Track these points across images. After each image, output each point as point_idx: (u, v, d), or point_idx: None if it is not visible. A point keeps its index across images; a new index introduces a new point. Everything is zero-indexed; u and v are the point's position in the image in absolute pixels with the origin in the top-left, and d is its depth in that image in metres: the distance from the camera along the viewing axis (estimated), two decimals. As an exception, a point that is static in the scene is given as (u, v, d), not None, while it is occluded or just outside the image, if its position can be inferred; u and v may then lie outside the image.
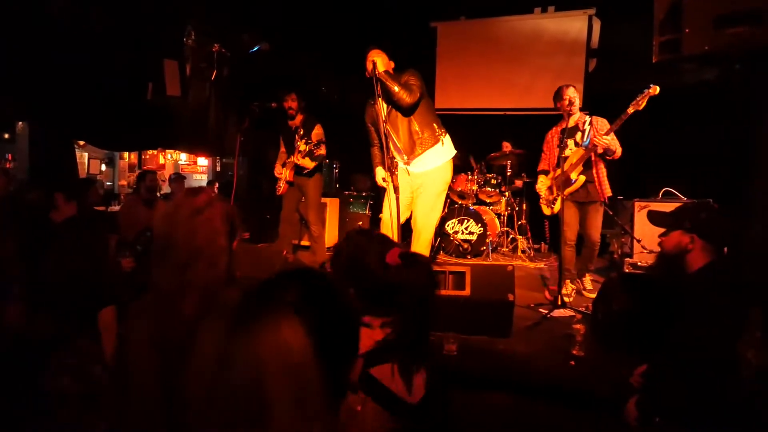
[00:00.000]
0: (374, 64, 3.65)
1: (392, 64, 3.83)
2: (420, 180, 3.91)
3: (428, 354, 1.41)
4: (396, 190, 3.58)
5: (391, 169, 3.60)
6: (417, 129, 3.83)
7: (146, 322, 1.33)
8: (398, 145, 3.85)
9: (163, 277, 1.37)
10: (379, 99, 3.81)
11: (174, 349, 1.20)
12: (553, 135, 4.54)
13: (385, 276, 1.39)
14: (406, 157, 3.84)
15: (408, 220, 4.04)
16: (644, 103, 3.82)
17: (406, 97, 3.68)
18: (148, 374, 1.27)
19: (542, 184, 4.64)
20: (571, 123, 4.36)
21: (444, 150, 3.90)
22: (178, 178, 7.20)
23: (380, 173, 4.13)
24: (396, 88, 3.66)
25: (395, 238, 3.55)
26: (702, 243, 2.04)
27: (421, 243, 3.99)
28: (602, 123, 4.26)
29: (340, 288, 1.04)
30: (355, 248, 1.46)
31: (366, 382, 1.27)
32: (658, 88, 3.74)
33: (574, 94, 4.30)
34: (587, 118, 4.33)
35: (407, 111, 3.80)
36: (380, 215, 4.01)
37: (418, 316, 1.38)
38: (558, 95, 4.33)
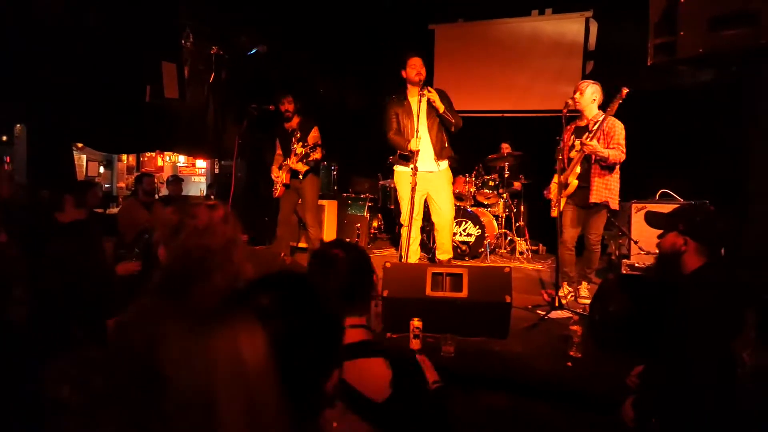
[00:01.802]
0: (429, 98, 4.49)
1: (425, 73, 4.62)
2: (437, 179, 4.68)
3: (395, 355, 1.44)
4: (413, 190, 4.35)
5: (414, 170, 4.33)
6: (445, 139, 4.69)
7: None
8: (428, 147, 4.59)
9: (203, 297, 1.39)
10: (413, 102, 4.57)
11: None
12: (566, 132, 4.35)
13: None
14: (435, 157, 4.62)
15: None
16: (616, 107, 3.93)
17: (457, 122, 4.59)
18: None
19: (552, 183, 4.54)
20: (584, 122, 4.32)
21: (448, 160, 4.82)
22: (176, 180, 7.20)
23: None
24: (453, 120, 4.57)
25: (418, 238, 4.71)
26: (695, 245, 2.05)
27: (447, 233, 4.83)
28: (611, 125, 4.12)
29: (322, 296, 1.01)
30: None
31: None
32: (625, 90, 3.90)
33: (589, 89, 4.22)
34: (601, 118, 4.19)
35: (449, 130, 4.66)
36: (402, 222, 4.71)
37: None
38: (574, 90, 4.32)
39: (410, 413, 1.37)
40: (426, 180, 4.58)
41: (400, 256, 4.54)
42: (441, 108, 4.49)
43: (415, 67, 4.50)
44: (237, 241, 1.49)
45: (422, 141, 4.51)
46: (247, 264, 1.52)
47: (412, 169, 4.38)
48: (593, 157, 4.13)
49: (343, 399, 1.27)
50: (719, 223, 2.11)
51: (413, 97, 4.58)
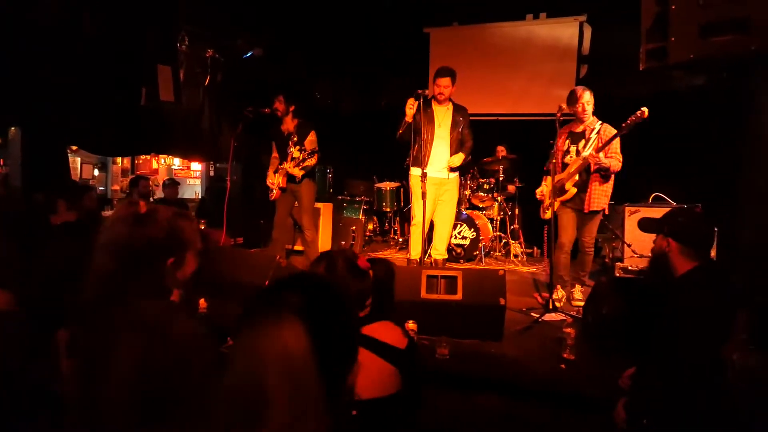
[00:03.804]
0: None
1: (453, 88, 4.91)
2: (449, 184, 5.01)
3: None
4: (423, 196, 4.58)
5: (422, 178, 4.59)
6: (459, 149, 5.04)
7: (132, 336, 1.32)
8: (446, 155, 4.92)
9: (137, 297, 1.38)
10: (437, 110, 4.90)
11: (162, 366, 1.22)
12: (560, 136, 4.40)
13: (355, 279, 1.78)
14: (446, 162, 4.91)
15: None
16: (632, 126, 3.79)
17: (469, 152, 5.04)
18: (132, 388, 1.27)
19: (543, 185, 4.61)
20: (580, 128, 4.34)
21: None
22: (172, 183, 7.17)
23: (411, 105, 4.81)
24: (469, 159, 5.13)
25: (425, 236, 4.90)
26: (678, 246, 2.08)
27: (444, 236, 5.13)
28: (610, 131, 4.14)
29: (343, 295, 1.07)
30: (329, 262, 1.81)
31: (361, 340, 1.52)
32: (646, 112, 3.70)
33: (588, 100, 4.24)
34: (597, 126, 4.25)
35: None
36: (413, 222, 5.02)
37: (386, 295, 1.96)
38: (572, 98, 4.28)
39: (417, 356, 1.82)
40: (439, 184, 4.92)
41: (409, 252, 5.07)
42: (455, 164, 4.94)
43: (439, 87, 4.85)
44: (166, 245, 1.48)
45: (441, 149, 4.89)
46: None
47: (421, 175, 4.66)
48: (593, 166, 4.17)
49: (373, 351, 1.64)
50: (701, 224, 2.14)
51: (437, 105, 4.95)
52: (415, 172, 5.00)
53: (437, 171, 4.87)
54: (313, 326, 0.92)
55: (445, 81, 4.82)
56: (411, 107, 4.65)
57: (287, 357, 0.86)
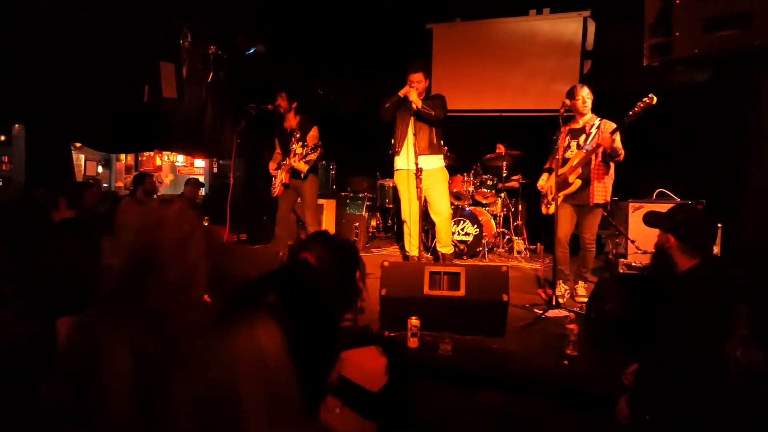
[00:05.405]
0: (409, 97, 4.76)
1: (426, 83, 4.90)
2: (430, 177, 4.92)
3: (387, 342, 1.43)
4: (419, 190, 4.62)
5: (417, 175, 4.59)
6: (434, 137, 4.97)
7: (127, 336, 1.26)
8: (416, 143, 4.81)
9: (157, 295, 1.34)
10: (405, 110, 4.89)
11: (158, 363, 1.20)
12: (560, 134, 4.42)
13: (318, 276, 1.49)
14: (417, 154, 4.76)
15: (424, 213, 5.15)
16: (641, 113, 3.78)
17: (436, 116, 4.84)
18: (126, 390, 1.25)
19: (542, 181, 4.63)
20: (580, 124, 4.36)
21: (442, 158, 5.14)
22: (196, 183, 7.12)
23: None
24: (432, 113, 4.84)
25: (417, 231, 4.84)
26: (677, 243, 2.08)
27: (444, 225, 5.12)
28: (609, 126, 4.18)
29: (321, 291, 1.05)
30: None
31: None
32: (655, 98, 3.69)
33: (587, 94, 4.28)
34: (596, 121, 4.29)
35: (434, 124, 4.94)
36: (402, 218, 5.13)
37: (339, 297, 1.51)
38: (571, 93, 4.32)
39: (404, 399, 1.36)
40: (422, 177, 4.78)
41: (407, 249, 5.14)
42: (418, 104, 4.74)
43: (412, 83, 4.80)
44: (193, 237, 1.44)
45: (409, 141, 4.84)
46: (202, 261, 1.46)
47: (408, 169, 4.72)
48: (597, 158, 4.17)
49: (338, 394, 1.24)
50: (700, 222, 2.14)
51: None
52: (396, 166, 5.09)
53: (411, 164, 4.78)
54: (288, 324, 0.89)
55: (418, 76, 4.77)
56: (405, 90, 4.74)
57: (261, 360, 0.82)
